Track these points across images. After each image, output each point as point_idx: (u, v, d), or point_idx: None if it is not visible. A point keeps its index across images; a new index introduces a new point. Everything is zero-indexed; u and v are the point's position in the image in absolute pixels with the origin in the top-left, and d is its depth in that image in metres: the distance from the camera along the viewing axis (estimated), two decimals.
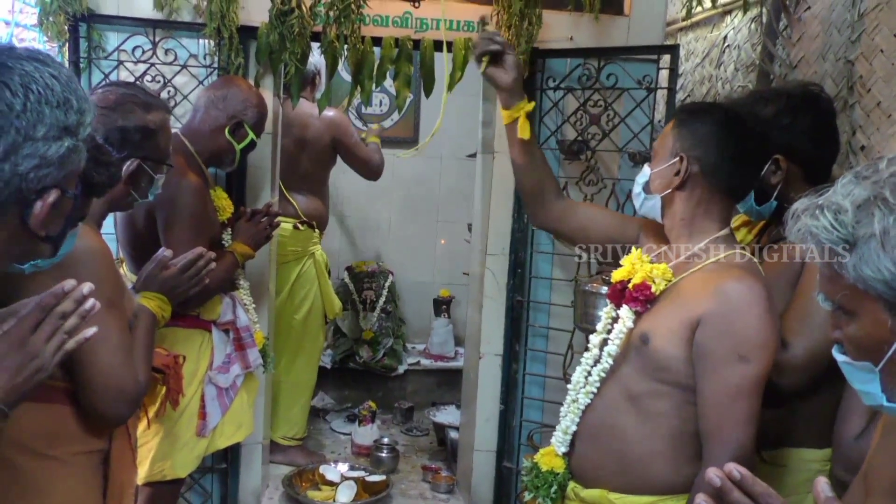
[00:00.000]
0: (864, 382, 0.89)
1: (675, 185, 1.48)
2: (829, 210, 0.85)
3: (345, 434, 3.67)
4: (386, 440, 3.38)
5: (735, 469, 0.86)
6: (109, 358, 1.31)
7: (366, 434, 3.43)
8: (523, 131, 1.78)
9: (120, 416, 1.36)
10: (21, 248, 0.97)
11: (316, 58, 3.32)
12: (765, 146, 1.54)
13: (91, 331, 1.00)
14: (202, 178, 2.13)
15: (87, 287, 0.98)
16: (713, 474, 0.87)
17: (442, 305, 4.33)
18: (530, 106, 1.78)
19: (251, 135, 2.21)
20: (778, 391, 1.43)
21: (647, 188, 1.55)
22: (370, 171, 3.49)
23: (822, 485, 0.85)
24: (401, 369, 4.06)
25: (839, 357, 0.91)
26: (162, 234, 2.00)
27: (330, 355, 4.04)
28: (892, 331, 0.83)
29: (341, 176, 4.20)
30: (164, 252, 1.69)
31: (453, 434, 3.30)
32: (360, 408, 3.55)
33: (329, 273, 3.49)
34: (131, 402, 1.37)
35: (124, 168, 1.57)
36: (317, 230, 3.33)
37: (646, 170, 1.57)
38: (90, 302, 0.98)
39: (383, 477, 3.03)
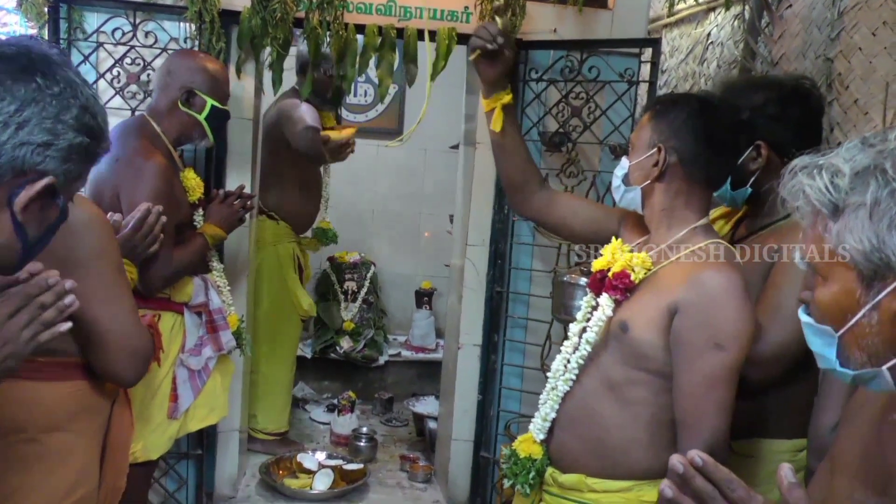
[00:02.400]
0: (822, 346, 0.90)
1: (654, 177, 1.49)
2: (827, 171, 0.84)
3: (324, 424, 3.68)
4: (365, 430, 3.38)
5: (697, 455, 0.86)
6: (126, 320, 1.33)
7: (345, 424, 3.43)
8: (495, 123, 1.79)
9: (138, 375, 1.39)
10: None
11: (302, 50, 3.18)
12: (740, 134, 1.56)
13: (65, 325, 1.01)
14: (169, 159, 2.09)
15: (69, 283, 1.00)
16: (676, 461, 0.87)
17: (424, 297, 4.34)
18: (508, 98, 1.78)
19: (209, 101, 2.11)
20: (747, 383, 1.45)
21: (626, 180, 1.56)
22: (304, 143, 3.07)
23: (786, 470, 0.85)
24: (381, 360, 4.07)
25: (803, 318, 0.92)
26: (125, 215, 1.98)
27: (310, 345, 4.04)
28: (858, 301, 0.84)
29: (325, 166, 4.19)
30: (112, 217, 1.68)
31: (432, 424, 3.31)
32: (340, 398, 3.55)
33: (300, 271, 3.31)
34: (147, 359, 1.40)
35: None
36: (281, 222, 3.20)
37: (624, 162, 1.58)
38: (69, 298, 1.00)
39: (361, 465, 3.04)
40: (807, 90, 1.69)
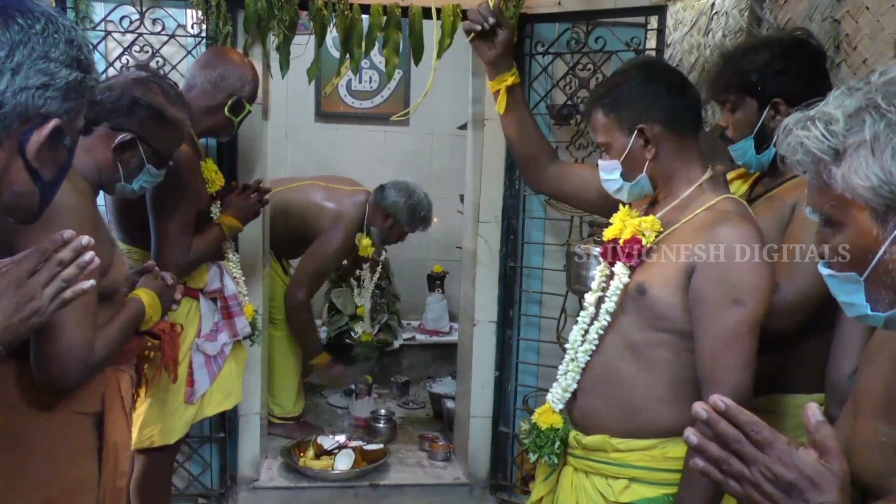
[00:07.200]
0: (848, 294, 0.89)
1: (652, 155, 1.48)
2: (820, 121, 0.85)
3: (342, 408, 3.70)
4: (383, 411, 3.40)
5: (719, 400, 0.85)
6: (64, 312, 1.24)
7: (363, 407, 3.45)
8: (499, 105, 1.80)
9: (65, 377, 1.30)
10: (11, 187, 0.96)
11: (398, 200, 3.33)
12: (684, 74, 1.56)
13: (89, 283, 0.99)
14: (194, 149, 2.12)
15: (86, 239, 0.98)
16: (699, 407, 0.86)
17: (436, 281, 4.36)
18: (512, 79, 1.79)
19: (248, 107, 2.20)
20: (769, 334, 1.45)
21: (625, 176, 1.52)
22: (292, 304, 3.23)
23: (813, 409, 0.84)
24: (396, 344, 4.08)
25: (824, 271, 0.92)
26: (149, 201, 2.00)
27: (325, 332, 4.06)
28: (877, 239, 0.83)
29: (334, 153, 4.21)
30: (149, 263, 1.70)
31: (449, 404, 3.33)
32: (357, 381, 3.57)
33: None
34: (79, 365, 1.30)
35: (118, 138, 1.57)
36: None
37: (609, 164, 1.53)
38: (89, 254, 0.98)
39: (381, 445, 3.06)
40: (803, 40, 1.70)
